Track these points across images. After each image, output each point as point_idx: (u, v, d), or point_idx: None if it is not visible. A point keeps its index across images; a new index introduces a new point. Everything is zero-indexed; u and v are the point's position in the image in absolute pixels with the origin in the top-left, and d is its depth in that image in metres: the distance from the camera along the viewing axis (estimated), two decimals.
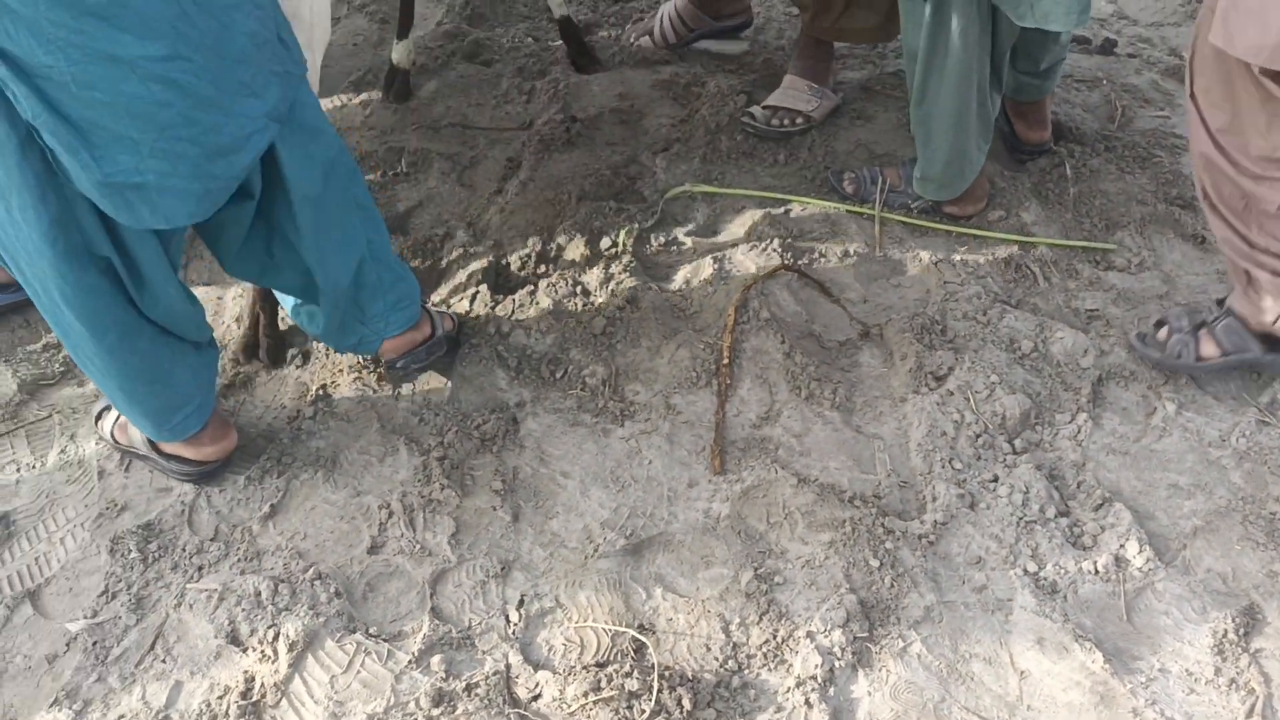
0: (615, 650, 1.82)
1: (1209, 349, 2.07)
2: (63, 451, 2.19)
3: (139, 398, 1.92)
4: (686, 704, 1.71)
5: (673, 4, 3.19)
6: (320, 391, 2.28)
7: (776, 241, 2.54)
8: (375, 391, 2.29)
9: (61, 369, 2.36)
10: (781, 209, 2.67)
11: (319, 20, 1.93)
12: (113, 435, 2.14)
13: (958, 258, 2.51)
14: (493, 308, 2.43)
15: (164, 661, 1.83)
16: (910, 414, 2.18)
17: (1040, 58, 2.54)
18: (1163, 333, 2.12)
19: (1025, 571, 1.90)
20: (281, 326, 2.41)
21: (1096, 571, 1.89)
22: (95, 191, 1.58)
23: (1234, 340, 2.03)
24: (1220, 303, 2.10)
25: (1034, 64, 2.56)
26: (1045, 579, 1.89)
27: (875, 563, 1.91)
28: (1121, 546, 1.92)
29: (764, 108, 2.91)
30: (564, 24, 3.22)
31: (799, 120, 2.90)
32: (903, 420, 2.19)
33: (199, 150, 1.62)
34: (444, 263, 2.60)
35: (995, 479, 2.05)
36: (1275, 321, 1.96)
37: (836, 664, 1.77)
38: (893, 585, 1.88)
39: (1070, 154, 2.76)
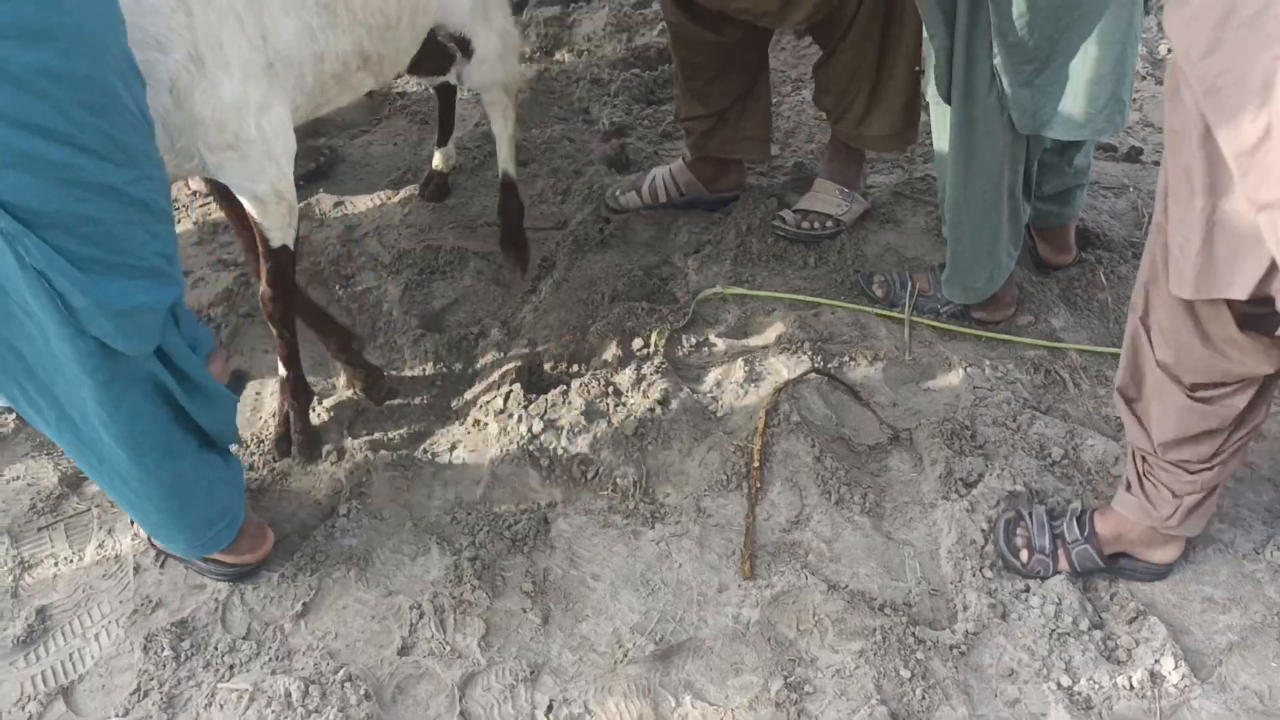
0: None
1: (1064, 565, 2.06)
2: (100, 546, 2.22)
3: (174, 515, 1.94)
4: None
5: (668, 168, 3.15)
6: (354, 489, 2.31)
7: (807, 345, 2.56)
8: (408, 489, 2.31)
9: None
10: (812, 312, 2.70)
11: (276, 133, 1.99)
12: (149, 538, 2.16)
13: (987, 363, 2.53)
14: (525, 407, 2.46)
15: None
16: (940, 520, 2.18)
17: (1044, 180, 2.55)
18: (1024, 551, 2.07)
19: (1059, 685, 1.88)
20: (315, 422, 2.45)
21: (1131, 687, 1.87)
22: (110, 323, 1.63)
23: (1085, 564, 2.05)
24: (1080, 519, 2.08)
25: (1040, 188, 2.56)
26: (1079, 693, 1.87)
27: (906, 673, 1.90)
28: (1156, 661, 1.90)
29: (794, 211, 2.96)
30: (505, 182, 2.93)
31: (829, 224, 2.95)
32: (933, 527, 2.19)
33: (165, 260, 1.71)
34: (478, 361, 2.64)
35: (1027, 589, 2.04)
36: (1169, 517, 1.96)
37: None
38: (924, 697, 1.87)
39: (1099, 260, 2.79)
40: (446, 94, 3.19)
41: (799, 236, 2.94)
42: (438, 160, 3.22)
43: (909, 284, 2.70)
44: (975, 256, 2.49)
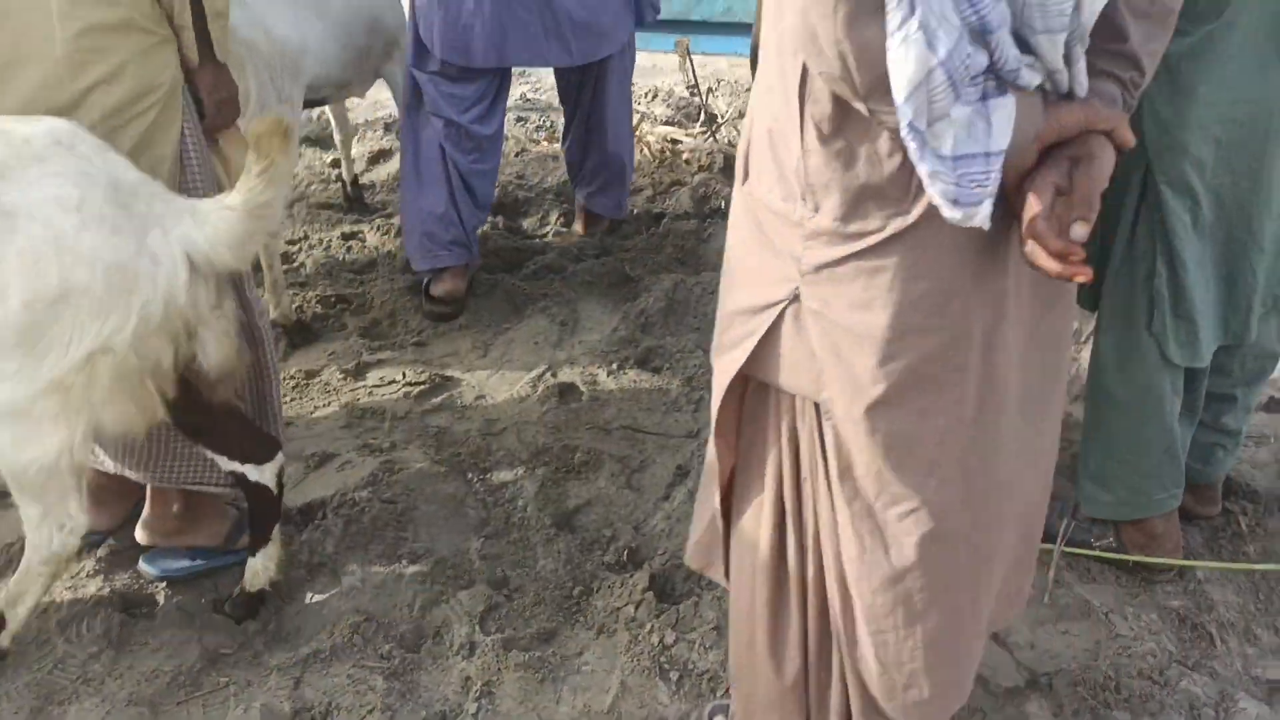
0: None
1: None
2: None
3: None
4: None
5: None
6: (484, 687, 2.32)
7: None
8: (537, 692, 2.31)
9: (240, 640, 2.46)
10: None
11: None
12: None
13: (1129, 610, 2.47)
14: (657, 616, 2.46)
15: None
16: None
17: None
18: None
19: None
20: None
21: None
22: None
23: None
24: None
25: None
26: None
27: None
28: None
29: None
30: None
31: None
32: None
33: None
34: (610, 564, 2.67)
35: None
36: None
37: None
38: None
39: (1243, 511, 2.74)
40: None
41: None
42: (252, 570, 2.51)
43: (1066, 514, 2.62)
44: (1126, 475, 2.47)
